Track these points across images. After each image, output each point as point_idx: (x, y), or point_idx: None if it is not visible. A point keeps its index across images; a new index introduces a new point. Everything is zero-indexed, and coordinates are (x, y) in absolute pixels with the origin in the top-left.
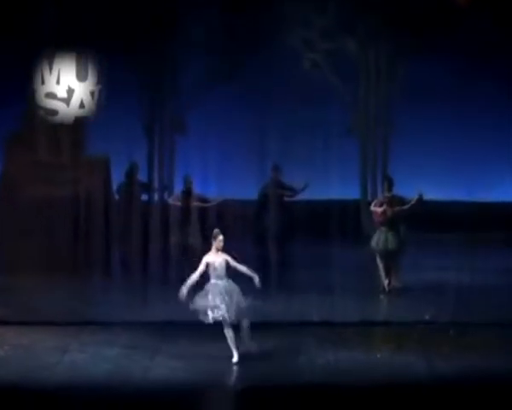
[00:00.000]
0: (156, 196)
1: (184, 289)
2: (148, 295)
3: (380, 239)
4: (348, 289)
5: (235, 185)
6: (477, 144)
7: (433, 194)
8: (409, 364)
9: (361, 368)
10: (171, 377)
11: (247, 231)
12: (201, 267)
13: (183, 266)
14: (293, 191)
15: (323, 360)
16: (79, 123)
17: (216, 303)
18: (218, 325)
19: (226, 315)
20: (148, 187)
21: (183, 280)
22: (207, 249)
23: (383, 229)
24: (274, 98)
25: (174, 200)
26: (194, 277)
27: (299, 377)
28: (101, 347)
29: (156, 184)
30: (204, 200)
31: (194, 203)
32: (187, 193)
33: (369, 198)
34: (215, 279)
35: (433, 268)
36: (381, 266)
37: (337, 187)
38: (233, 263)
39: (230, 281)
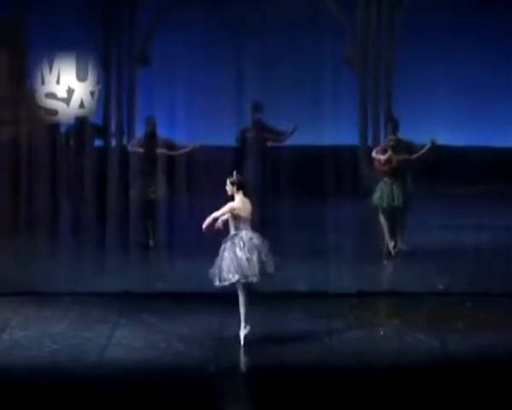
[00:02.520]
0: (113, 142)
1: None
2: (103, 261)
3: (383, 193)
4: (344, 253)
5: (208, 129)
6: (497, 80)
7: (444, 138)
8: (418, 342)
9: (359, 348)
10: (133, 359)
11: (223, 184)
12: (224, 211)
13: (144, 226)
14: (278, 135)
15: (314, 339)
16: (19, 48)
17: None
18: (189, 296)
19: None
20: (102, 130)
21: (144, 243)
22: (175, 205)
23: (387, 181)
24: (253, 23)
25: (134, 146)
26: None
27: (282, 359)
28: (47, 322)
29: (113, 127)
30: (170, 146)
31: (159, 150)
32: (150, 137)
33: (370, 144)
34: (237, 230)
35: (446, 228)
36: (384, 225)
37: (331, 130)
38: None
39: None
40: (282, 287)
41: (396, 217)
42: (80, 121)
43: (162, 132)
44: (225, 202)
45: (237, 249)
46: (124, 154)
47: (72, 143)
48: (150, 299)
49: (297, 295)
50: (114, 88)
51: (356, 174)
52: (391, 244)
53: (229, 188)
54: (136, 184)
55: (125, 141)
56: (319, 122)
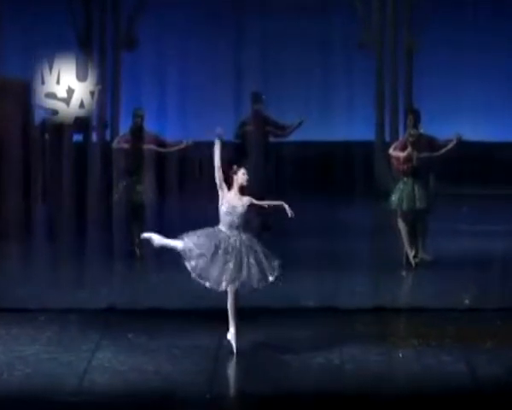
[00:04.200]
0: (94, 136)
1: None
2: (82, 273)
3: (402, 195)
4: (358, 263)
5: (202, 123)
6: None
7: (471, 133)
8: (442, 365)
9: (375, 371)
10: (117, 384)
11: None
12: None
13: (130, 233)
14: (283, 129)
15: (323, 359)
16: None
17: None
18: (181, 312)
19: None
20: (83, 123)
21: (129, 252)
22: (165, 209)
23: (407, 181)
24: (254, 1)
25: (119, 143)
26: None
27: (288, 381)
28: (17, 343)
29: (94, 119)
30: (160, 142)
31: (147, 147)
32: (137, 132)
33: (388, 139)
34: (223, 228)
35: (473, 234)
36: (403, 231)
37: (343, 124)
38: (257, 202)
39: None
40: (287, 302)
41: (417, 222)
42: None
43: (150, 127)
44: (209, 206)
45: None
46: (106, 150)
47: (46, 137)
48: (136, 316)
49: (304, 311)
50: (96, 75)
51: (371, 173)
52: (411, 253)
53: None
54: (120, 185)
55: (107, 136)
56: (329, 115)
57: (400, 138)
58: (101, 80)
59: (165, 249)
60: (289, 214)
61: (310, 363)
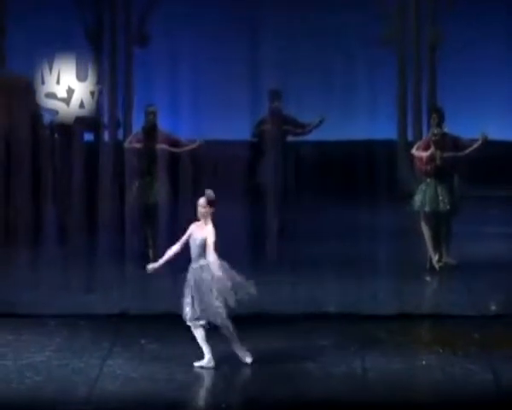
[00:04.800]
0: (106, 136)
1: (156, 264)
2: (94, 277)
3: (426, 196)
4: (380, 268)
5: (218, 121)
6: None
7: (497, 132)
8: (467, 373)
9: (398, 380)
10: (128, 393)
11: (236, 185)
12: (183, 237)
13: (143, 235)
14: (302, 128)
15: (345, 367)
16: None
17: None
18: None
19: (188, 314)
20: (94, 122)
21: (143, 255)
22: (178, 210)
23: (430, 182)
24: None
25: (131, 142)
26: (173, 249)
27: (309, 390)
28: (27, 349)
29: (106, 118)
30: (173, 142)
31: (160, 146)
32: (150, 131)
33: (410, 138)
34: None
35: (500, 237)
36: (427, 234)
37: (364, 123)
38: (208, 245)
39: (207, 267)
40: (307, 307)
41: (441, 224)
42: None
43: (163, 125)
44: (225, 208)
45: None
46: (119, 150)
47: (57, 137)
48: (149, 321)
49: (326, 317)
50: (107, 72)
51: (393, 174)
52: (435, 257)
53: (205, 210)
54: (133, 186)
55: (120, 135)
56: (350, 113)
57: (423, 138)
58: (113, 78)
59: (179, 252)
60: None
61: (332, 371)
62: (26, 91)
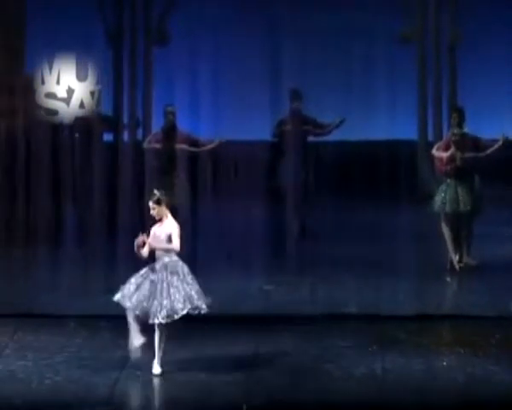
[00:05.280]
0: (125, 136)
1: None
2: (114, 278)
3: (446, 197)
4: (400, 268)
5: (237, 121)
6: None
7: None
8: (488, 374)
9: (418, 381)
10: (148, 394)
11: (256, 185)
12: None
13: None
14: (322, 128)
15: (365, 368)
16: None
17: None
18: (214, 318)
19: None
20: (113, 122)
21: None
22: (198, 211)
23: (450, 182)
24: None
25: (151, 142)
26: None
27: (328, 391)
28: (47, 350)
29: (125, 117)
30: (193, 142)
31: (179, 146)
32: (169, 131)
33: (431, 138)
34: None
35: None
36: (447, 234)
37: (384, 122)
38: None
39: (171, 264)
40: (327, 308)
41: (461, 225)
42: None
43: (183, 125)
44: (245, 209)
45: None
46: (138, 150)
47: (76, 137)
48: (168, 323)
49: (345, 318)
50: (127, 72)
51: (414, 175)
52: (455, 258)
53: (156, 211)
54: (152, 187)
55: (139, 135)
56: (370, 113)
57: (444, 138)
58: (132, 76)
59: (200, 254)
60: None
61: (351, 372)
62: None
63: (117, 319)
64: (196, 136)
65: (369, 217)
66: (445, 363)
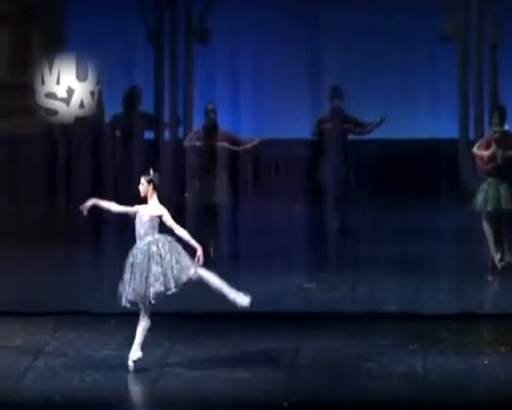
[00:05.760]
0: (166, 134)
1: (89, 203)
2: None
3: (487, 195)
4: (442, 267)
5: (278, 119)
6: None
7: None
8: None
9: (459, 380)
10: (188, 391)
11: (296, 183)
12: (128, 207)
13: (203, 234)
14: (362, 127)
15: (405, 367)
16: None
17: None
18: (256, 316)
19: (123, 298)
20: (154, 120)
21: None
22: (239, 209)
23: (492, 181)
24: None
25: (192, 141)
26: (111, 205)
27: (369, 389)
28: (88, 347)
29: (166, 116)
30: (234, 140)
31: (221, 144)
32: (210, 129)
33: (472, 137)
34: (136, 241)
35: None
36: (489, 233)
37: (425, 121)
38: (169, 221)
39: (155, 241)
40: (367, 307)
41: (503, 223)
42: (128, 109)
43: (224, 123)
44: (285, 207)
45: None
46: (179, 148)
47: (118, 135)
48: (210, 320)
49: (385, 317)
50: (167, 70)
51: (455, 174)
52: (496, 256)
53: (143, 187)
54: (193, 185)
55: (180, 133)
56: (411, 112)
57: (485, 136)
58: (173, 75)
59: (240, 252)
60: (198, 258)
61: (392, 371)
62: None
63: (157, 317)
64: (237, 134)
65: (410, 215)
66: (486, 362)
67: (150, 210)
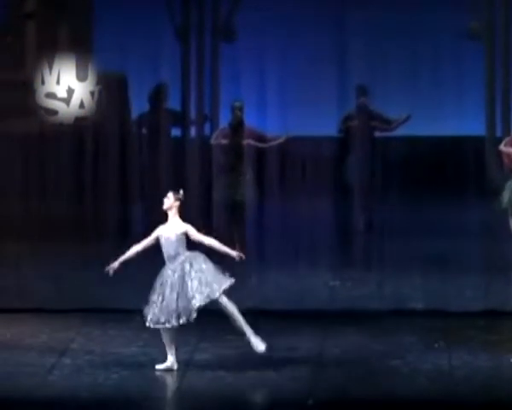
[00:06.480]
0: (193, 131)
1: (116, 264)
2: None
3: None
4: (468, 264)
5: (304, 116)
6: None
7: None
8: None
9: (486, 378)
10: (213, 390)
11: (322, 181)
12: (148, 239)
13: (230, 233)
14: (389, 124)
15: (431, 365)
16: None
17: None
18: (283, 314)
19: (149, 316)
20: (181, 118)
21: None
22: (266, 208)
23: None
24: None
25: (218, 138)
26: (134, 249)
27: (395, 387)
28: (114, 344)
29: (193, 113)
30: (260, 137)
31: (247, 142)
32: (237, 126)
33: (499, 134)
34: (166, 262)
35: None
36: None
37: (452, 118)
38: (196, 235)
39: (187, 265)
40: (393, 304)
41: None
42: (155, 106)
43: (250, 121)
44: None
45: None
46: (205, 145)
47: (144, 132)
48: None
49: (411, 314)
50: (194, 68)
51: (482, 171)
52: None
53: (169, 202)
54: (220, 183)
55: (206, 130)
56: (437, 109)
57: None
58: (199, 72)
59: (267, 250)
60: (237, 258)
61: (418, 368)
62: (115, 88)
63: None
64: (263, 132)
65: (436, 213)
66: (511, 360)
67: (176, 229)
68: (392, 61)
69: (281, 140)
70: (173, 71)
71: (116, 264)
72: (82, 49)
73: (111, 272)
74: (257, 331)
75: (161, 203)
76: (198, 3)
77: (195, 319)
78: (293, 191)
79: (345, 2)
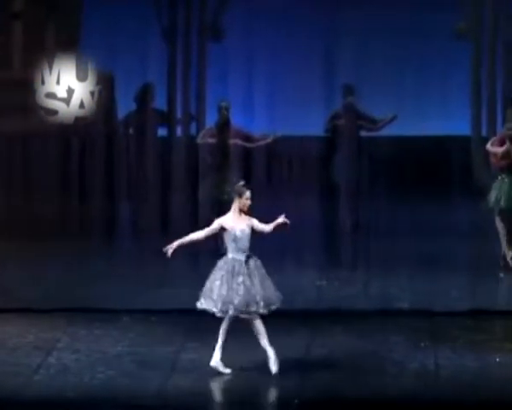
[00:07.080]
0: (179, 131)
1: (174, 244)
2: (167, 272)
3: (500, 193)
4: (453, 264)
5: (291, 116)
6: None
7: None
8: None
9: (471, 378)
10: (200, 388)
11: (309, 180)
12: (211, 228)
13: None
14: (375, 123)
15: (418, 364)
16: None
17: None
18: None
19: (234, 304)
20: (167, 117)
21: (216, 251)
22: (253, 207)
23: (505, 178)
24: None
25: (205, 137)
26: (197, 235)
27: (381, 386)
28: (100, 344)
29: (179, 112)
30: (247, 137)
31: (233, 141)
32: (223, 126)
33: (485, 134)
34: (234, 253)
35: None
36: (502, 231)
37: (438, 118)
38: (260, 226)
39: (257, 259)
40: (380, 303)
41: None
42: (142, 106)
43: (237, 121)
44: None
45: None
46: (192, 145)
47: (130, 131)
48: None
49: (398, 314)
50: (180, 67)
51: (468, 170)
52: (509, 254)
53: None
54: (206, 183)
55: (192, 130)
56: (424, 108)
57: (498, 133)
58: (186, 72)
59: (255, 249)
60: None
61: (405, 368)
62: (104, 89)
63: (169, 314)
64: (250, 131)
65: (423, 212)
66: (498, 359)
67: (246, 221)
68: (379, 61)
69: (267, 140)
70: (160, 71)
71: (174, 244)
72: (70, 49)
73: (169, 252)
74: (244, 331)
75: (148, 204)
76: (185, 3)
77: (187, 318)
78: (280, 191)
79: (332, 3)
